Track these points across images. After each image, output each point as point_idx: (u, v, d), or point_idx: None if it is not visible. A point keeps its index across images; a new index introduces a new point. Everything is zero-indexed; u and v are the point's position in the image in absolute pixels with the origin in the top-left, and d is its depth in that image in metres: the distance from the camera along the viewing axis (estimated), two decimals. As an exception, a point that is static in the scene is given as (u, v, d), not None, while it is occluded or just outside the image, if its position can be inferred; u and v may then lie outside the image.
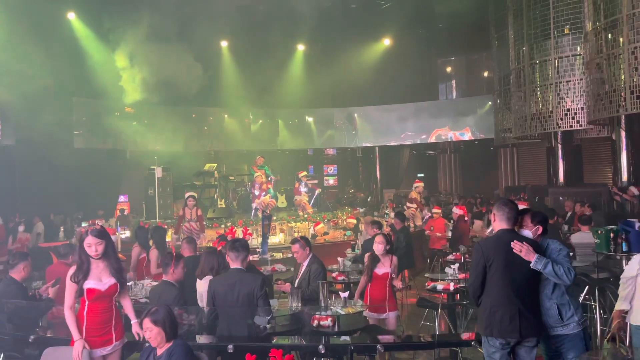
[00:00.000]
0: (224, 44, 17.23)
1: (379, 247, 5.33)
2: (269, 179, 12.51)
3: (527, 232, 3.55)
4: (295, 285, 5.33)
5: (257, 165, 12.72)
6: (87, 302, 3.59)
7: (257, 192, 12.10)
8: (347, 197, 19.22)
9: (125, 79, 13.60)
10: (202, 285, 4.79)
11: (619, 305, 3.76)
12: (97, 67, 13.79)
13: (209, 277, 4.73)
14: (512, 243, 3.41)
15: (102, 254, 3.62)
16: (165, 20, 12.90)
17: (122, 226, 11.42)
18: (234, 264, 4.16)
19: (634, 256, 3.91)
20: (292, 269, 7.49)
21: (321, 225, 11.29)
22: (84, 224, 11.33)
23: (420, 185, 12.78)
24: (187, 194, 10.27)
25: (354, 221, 11.32)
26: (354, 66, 17.89)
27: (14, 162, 13.27)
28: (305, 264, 5.38)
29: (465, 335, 4.57)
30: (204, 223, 10.10)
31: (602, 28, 10.59)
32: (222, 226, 10.74)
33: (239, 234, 8.46)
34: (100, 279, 3.62)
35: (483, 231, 9.73)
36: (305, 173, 13.52)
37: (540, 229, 3.55)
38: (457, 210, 9.62)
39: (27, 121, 13.08)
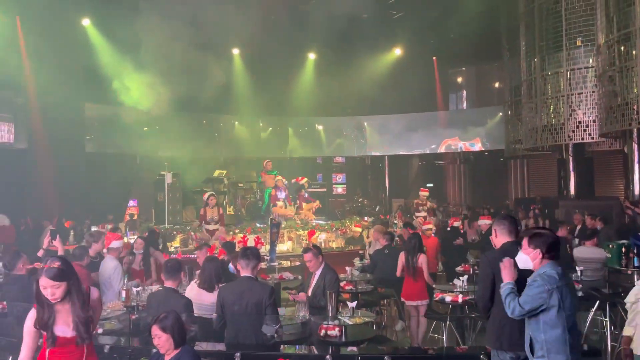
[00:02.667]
0: (235, 51, 17.35)
1: None
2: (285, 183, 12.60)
3: (525, 258, 3.18)
4: (310, 294, 5.33)
5: (267, 171, 12.76)
6: (47, 349, 2.94)
7: (283, 194, 12.13)
8: (355, 206, 19.19)
9: (136, 86, 13.73)
10: (211, 296, 4.71)
11: (626, 331, 3.77)
12: (109, 73, 13.94)
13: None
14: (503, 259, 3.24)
15: (64, 297, 2.91)
16: (178, 28, 13.03)
17: (131, 231, 11.49)
18: (244, 272, 4.17)
19: (638, 282, 3.91)
20: (300, 277, 7.50)
21: (316, 234, 11.22)
22: (93, 228, 11.40)
23: (424, 194, 12.79)
24: (206, 194, 10.38)
25: (359, 230, 11.27)
26: (364, 75, 17.93)
27: (26, 165, 13.41)
28: (318, 272, 5.36)
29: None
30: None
31: (615, 40, 10.54)
32: (231, 233, 10.76)
33: (251, 242, 8.49)
34: (68, 324, 2.94)
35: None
36: (306, 179, 13.49)
37: (539, 255, 3.11)
38: (485, 222, 8.97)
39: (40, 125, 13.27)
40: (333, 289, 5.00)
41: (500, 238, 3.61)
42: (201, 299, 4.74)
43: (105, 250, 6.12)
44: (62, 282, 2.89)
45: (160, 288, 5.10)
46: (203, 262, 5.09)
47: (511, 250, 3.44)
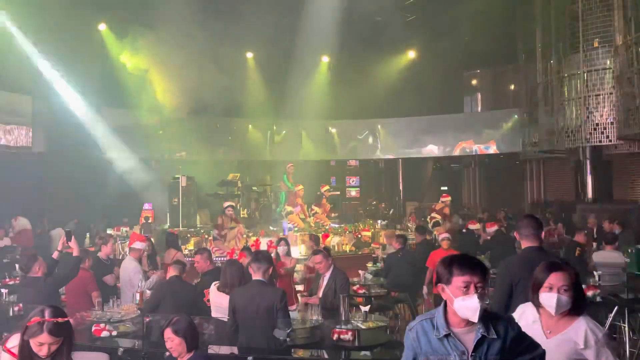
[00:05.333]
0: (249, 55, 17.43)
1: None
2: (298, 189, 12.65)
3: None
4: (320, 296, 5.33)
5: (288, 174, 12.76)
6: None
7: (297, 208, 12.26)
8: (369, 209, 19.13)
9: (152, 90, 13.88)
10: (220, 297, 4.75)
11: None
12: (124, 78, 14.10)
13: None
14: None
15: (55, 355, 2.39)
16: (192, 32, 13.13)
17: (146, 234, 11.58)
18: (256, 276, 4.17)
19: None
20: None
21: (330, 237, 11.25)
22: (109, 231, 11.52)
23: (447, 200, 12.63)
24: (226, 204, 10.52)
25: (369, 234, 11.23)
26: (378, 78, 17.89)
27: (44, 169, 13.60)
28: (327, 274, 5.42)
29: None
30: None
31: (633, 42, 10.38)
32: (244, 236, 10.80)
33: (264, 246, 8.51)
34: None
35: None
36: (327, 187, 13.53)
37: None
38: (493, 229, 8.67)
39: (57, 129, 13.45)
40: (344, 291, 5.04)
41: (522, 242, 3.50)
42: (220, 302, 4.71)
43: (126, 250, 6.18)
44: (60, 338, 2.39)
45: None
46: (224, 265, 5.07)
47: (532, 257, 3.34)
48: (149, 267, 6.99)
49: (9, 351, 2.19)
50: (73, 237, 5.35)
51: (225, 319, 4.50)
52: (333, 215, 12.91)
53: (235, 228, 10.25)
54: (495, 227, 8.71)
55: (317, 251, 5.67)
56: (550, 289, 2.48)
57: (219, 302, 4.73)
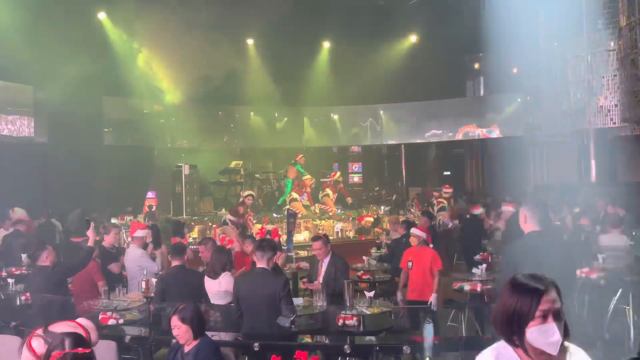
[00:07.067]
0: (249, 41, 17.32)
1: None
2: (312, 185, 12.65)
3: None
4: (321, 281, 5.40)
5: (297, 164, 12.75)
6: None
7: (304, 196, 12.28)
8: (372, 195, 19.13)
9: (153, 79, 13.83)
10: (215, 284, 4.93)
11: None
12: (126, 66, 14.03)
13: (225, 275, 4.90)
14: None
15: None
16: (192, 18, 13.04)
17: (150, 222, 11.61)
18: (260, 263, 4.19)
19: None
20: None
21: (333, 223, 11.34)
22: (113, 220, 11.55)
23: (450, 191, 12.58)
24: (245, 192, 10.60)
25: (371, 219, 11.24)
26: (380, 63, 17.76)
27: (46, 158, 13.62)
28: (326, 260, 5.51)
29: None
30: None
31: (637, 22, 10.25)
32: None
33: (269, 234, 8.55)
34: None
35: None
36: (339, 174, 13.55)
37: None
38: (508, 208, 8.04)
39: (60, 119, 13.44)
40: (344, 276, 5.17)
41: (529, 224, 3.47)
42: (209, 287, 4.99)
43: (129, 239, 6.21)
44: None
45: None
46: (212, 252, 5.35)
47: (536, 242, 3.35)
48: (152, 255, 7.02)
49: (33, 351, 2.08)
50: (92, 226, 5.39)
51: (219, 304, 4.72)
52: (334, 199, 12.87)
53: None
54: (512, 208, 8.18)
55: (317, 237, 5.74)
56: (544, 317, 1.77)
57: (208, 287, 4.96)
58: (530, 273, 1.88)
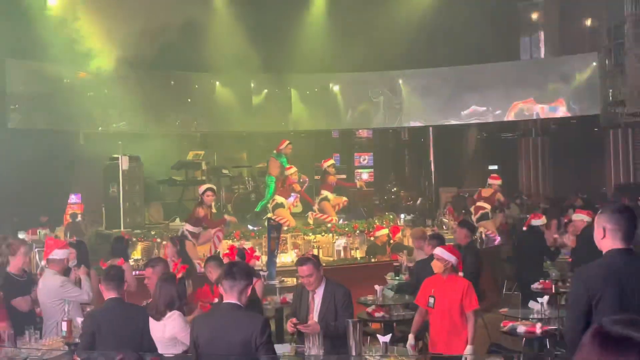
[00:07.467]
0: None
1: None
2: (301, 180, 12.68)
3: None
4: (317, 319, 5.40)
5: (281, 153, 12.81)
6: None
7: (292, 198, 12.27)
8: (387, 199, 19.18)
9: (77, 36, 13.78)
10: (159, 327, 4.89)
11: None
12: (38, 18, 13.96)
13: (171, 315, 4.86)
14: None
15: None
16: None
17: (74, 237, 11.59)
18: (228, 297, 4.17)
19: None
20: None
21: (334, 239, 11.39)
22: (21, 235, 11.52)
23: (496, 182, 12.65)
24: (202, 187, 10.53)
25: (385, 232, 11.23)
26: (397, 14, 17.78)
27: None
28: (320, 291, 5.51)
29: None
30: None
31: None
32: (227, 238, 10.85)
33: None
34: None
35: None
36: (332, 161, 13.55)
37: None
38: (582, 217, 8.44)
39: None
40: (347, 313, 5.23)
41: (609, 239, 3.47)
42: (151, 328, 4.95)
43: (43, 263, 6.19)
44: None
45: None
46: (157, 282, 5.22)
47: (619, 263, 3.35)
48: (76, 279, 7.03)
49: None
50: None
51: (170, 354, 4.69)
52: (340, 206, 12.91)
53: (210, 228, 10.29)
54: (587, 217, 8.27)
55: (305, 259, 5.58)
56: None
57: (152, 331, 4.93)
58: (627, 316, 1.74)
